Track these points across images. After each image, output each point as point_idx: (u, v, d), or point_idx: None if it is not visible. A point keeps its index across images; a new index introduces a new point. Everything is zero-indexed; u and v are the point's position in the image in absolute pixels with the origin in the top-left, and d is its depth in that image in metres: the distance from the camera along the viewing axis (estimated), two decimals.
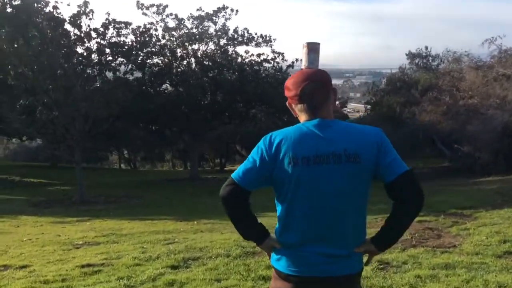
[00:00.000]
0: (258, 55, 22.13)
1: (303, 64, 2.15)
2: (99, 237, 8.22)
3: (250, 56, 22.04)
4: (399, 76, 20.86)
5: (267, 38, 22.15)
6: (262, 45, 22.07)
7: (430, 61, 21.59)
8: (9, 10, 15.28)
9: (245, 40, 21.83)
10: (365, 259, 2.05)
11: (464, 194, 11.18)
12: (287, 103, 2.04)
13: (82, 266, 5.69)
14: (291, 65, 22.86)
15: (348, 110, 35.46)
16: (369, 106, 21.55)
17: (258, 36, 21.99)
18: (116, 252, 6.54)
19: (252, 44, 21.87)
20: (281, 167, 1.86)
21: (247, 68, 21.36)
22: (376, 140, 1.88)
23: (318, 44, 2.20)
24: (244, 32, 21.77)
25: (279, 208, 1.95)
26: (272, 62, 22.32)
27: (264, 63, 22.27)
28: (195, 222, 10.31)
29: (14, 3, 15.34)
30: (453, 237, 6.75)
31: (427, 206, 9.51)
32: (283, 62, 22.72)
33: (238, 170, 1.94)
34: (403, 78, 20.39)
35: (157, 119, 21.78)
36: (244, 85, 20.33)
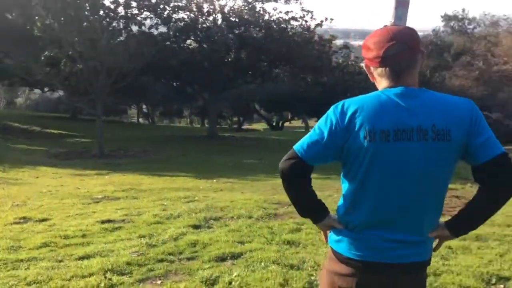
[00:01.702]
0: (286, 13, 21.40)
1: (390, 20, 1.84)
2: (119, 192, 8.14)
3: (278, 13, 21.33)
4: (431, 39, 20.02)
5: None
6: (291, 2, 21.33)
7: (466, 24, 20.63)
8: None
9: None
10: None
11: None
12: (363, 64, 1.76)
13: (103, 222, 5.59)
14: (319, 24, 22.10)
15: None
16: None
17: None
18: (136, 208, 6.43)
19: (281, 0, 21.12)
20: (354, 141, 1.62)
21: (274, 26, 20.67)
22: (470, 115, 1.61)
23: None
24: None
25: (345, 185, 1.72)
26: (300, 20, 21.55)
27: (291, 21, 21.52)
28: (214, 180, 10.18)
29: None
30: None
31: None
32: (311, 20, 21.96)
33: (301, 142, 1.70)
34: (436, 41, 19.57)
35: (180, 75, 21.48)
36: (270, 43, 19.72)
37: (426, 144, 1.58)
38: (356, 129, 1.60)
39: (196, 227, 5.34)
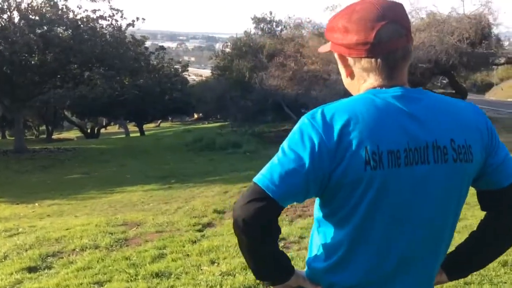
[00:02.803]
0: (94, 11, 19.96)
1: None
2: None
3: (84, 11, 19.78)
4: (244, 41, 20.78)
5: None
6: (98, 0, 19.91)
7: (274, 26, 21.95)
8: None
9: None
10: None
11: None
12: (336, 54, 1.24)
13: None
14: (131, 24, 21.19)
15: (189, 74, 34.64)
16: (218, 71, 21.14)
17: None
18: None
19: None
20: (349, 168, 1.11)
21: (82, 26, 19.08)
22: (486, 125, 1.23)
23: None
24: None
25: (328, 229, 1.23)
26: (109, 19, 20.33)
27: (100, 20, 20.17)
28: (36, 203, 8.77)
29: None
30: None
31: None
32: (122, 19, 20.93)
33: (268, 174, 1.14)
34: (248, 42, 20.35)
35: None
36: (80, 44, 18.13)
37: (446, 168, 1.15)
38: (353, 149, 1.10)
39: (32, 270, 4.31)
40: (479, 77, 36.29)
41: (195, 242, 4.93)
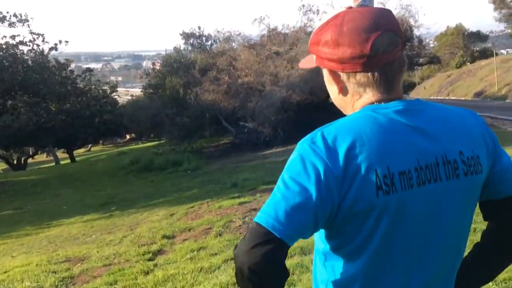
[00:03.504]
0: (13, 37, 19.05)
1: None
2: None
3: (2, 38, 18.84)
4: (175, 57, 20.50)
5: (23, 18, 19.19)
6: (17, 25, 18.98)
7: (204, 41, 21.86)
8: None
9: None
10: None
11: (262, 169, 11.49)
12: (326, 70, 1.12)
13: None
14: (54, 48, 20.41)
15: (118, 95, 33.62)
16: (150, 89, 20.65)
17: (11, 15, 18.89)
18: None
19: (5, 24, 18.60)
20: (359, 195, 1.00)
21: (1, 53, 18.09)
22: (487, 132, 1.16)
23: None
24: None
25: (339, 264, 1.09)
26: (30, 44, 19.45)
27: (20, 46, 19.24)
28: None
29: None
30: None
31: (240, 186, 9.47)
32: (44, 44, 20.07)
33: (271, 211, 1.00)
34: (179, 58, 20.10)
35: None
36: (0, 72, 17.16)
37: (458, 183, 1.07)
38: (362, 174, 0.99)
39: None
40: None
41: (148, 273, 4.68)
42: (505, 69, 29.16)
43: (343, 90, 1.12)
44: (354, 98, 1.11)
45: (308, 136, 1.05)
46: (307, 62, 1.20)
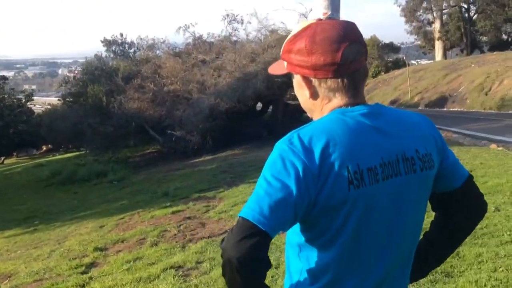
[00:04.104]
0: None
1: (322, 11, 1.32)
2: None
3: None
4: (96, 64, 19.78)
5: None
6: None
7: (127, 48, 21.30)
8: None
9: None
10: None
11: (192, 177, 11.37)
12: (299, 76, 1.24)
13: None
14: None
15: (34, 104, 31.84)
16: (70, 98, 19.68)
17: None
18: None
19: None
20: (332, 190, 1.12)
21: None
22: (436, 131, 1.32)
23: None
24: None
25: (313, 254, 1.20)
26: None
27: None
28: None
29: None
30: (217, 222, 6.63)
31: (171, 195, 9.30)
32: None
33: (255, 206, 1.10)
34: (101, 66, 19.42)
35: None
36: None
37: (415, 178, 1.22)
38: (335, 171, 1.11)
39: None
40: None
41: (83, 286, 4.51)
42: (416, 79, 31.11)
43: (314, 95, 1.23)
44: (324, 102, 1.23)
45: (285, 138, 1.16)
46: (277, 68, 1.32)
